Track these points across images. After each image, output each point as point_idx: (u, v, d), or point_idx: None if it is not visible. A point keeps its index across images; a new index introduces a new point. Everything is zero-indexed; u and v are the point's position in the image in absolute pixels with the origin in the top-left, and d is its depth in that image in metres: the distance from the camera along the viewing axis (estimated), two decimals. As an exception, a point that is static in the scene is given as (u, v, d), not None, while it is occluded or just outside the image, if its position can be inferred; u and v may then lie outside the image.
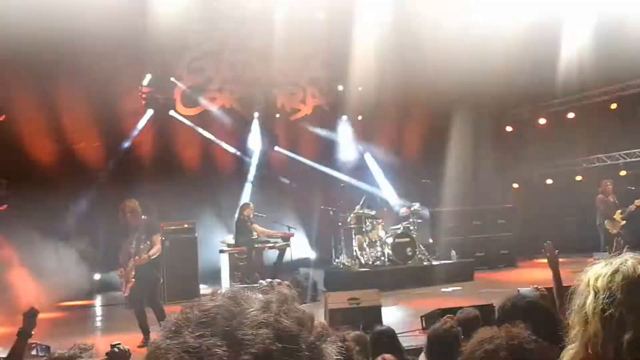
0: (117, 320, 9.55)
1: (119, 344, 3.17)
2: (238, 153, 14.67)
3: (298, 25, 14.43)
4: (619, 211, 11.26)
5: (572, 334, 1.57)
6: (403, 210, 12.43)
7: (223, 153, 14.50)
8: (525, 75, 14.60)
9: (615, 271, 1.53)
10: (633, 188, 13.06)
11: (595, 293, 1.52)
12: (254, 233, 11.24)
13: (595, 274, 1.56)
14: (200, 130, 14.21)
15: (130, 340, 6.94)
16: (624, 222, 11.21)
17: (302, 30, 14.75)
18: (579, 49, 14.62)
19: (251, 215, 11.36)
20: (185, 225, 11.47)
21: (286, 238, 11.34)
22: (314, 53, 15.36)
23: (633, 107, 14.30)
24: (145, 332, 7.36)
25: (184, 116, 14.15)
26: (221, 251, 11.52)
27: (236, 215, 11.59)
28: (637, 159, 14.26)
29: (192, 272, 11.37)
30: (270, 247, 11.35)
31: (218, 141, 14.37)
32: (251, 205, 11.73)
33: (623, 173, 14.21)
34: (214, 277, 11.68)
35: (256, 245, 11.20)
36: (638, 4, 12.90)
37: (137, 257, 7.40)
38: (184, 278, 11.07)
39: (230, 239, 12.01)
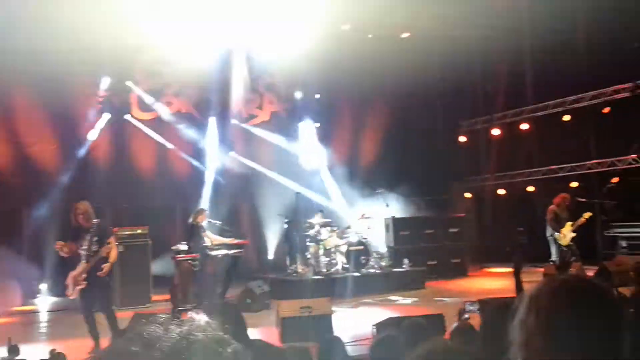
0: (68, 326, 9.28)
1: (54, 349, 3.13)
2: (194, 158, 14.50)
3: (255, 31, 14.45)
4: (570, 223, 11.54)
5: (513, 350, 1.55)
6: (357, 219, 12.48)
7: (178, 158, 14.32)
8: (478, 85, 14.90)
9: (557, 287, 1.53)
10: (584, 200, 13.44)
11: (537, 309, 1.50)
12: (207, 240, 11.10)
13: (538, 290, 1.55)
14: (156, 134, 14.02)
15: (81, 346, 6.79)
16: (574, 234, 11.49)
17: (259, 36, 14.76)
18: (533, 61, 15.06)
19: (205, 222, 11.22)
20: (139, 231, 11.30)
21: (240, 246, 11.23)
22: (271, 59, 15.34)
23: (585, 119, 14.75)
24: (95, 338, 7.20)
25: (140, 120, 13.94)
26: (173, 258, 11.32)
27: (190, 221, 11.42)
28: (588, 170, 14.68)
29: (145, 278, 11.24)
30: (224, 255, 11.22)
31: (174, 146, 14.19)
32: (205, 211, 11.58)
33: (574, 184, 14.62)
34: (167, 283, 11.50)
35: (209, 253, 11.06)
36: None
37: (87, 261, 7.24)
38: (136, 284, 10.91)
39: (183, 245, 11.83)
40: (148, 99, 13.99)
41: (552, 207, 11.53)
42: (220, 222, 11.86)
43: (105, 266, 7.29)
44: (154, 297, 11.35)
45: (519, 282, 4.19)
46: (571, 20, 14.52)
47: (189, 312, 6.60)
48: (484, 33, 16.35)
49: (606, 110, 14.18)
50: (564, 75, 14.66)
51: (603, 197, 13.69)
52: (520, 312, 1.55)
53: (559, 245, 11.36)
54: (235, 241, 11.29)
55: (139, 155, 13.78)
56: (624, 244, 13.50)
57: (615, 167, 14.13)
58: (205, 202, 13.50)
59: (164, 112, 14.17)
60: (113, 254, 7.45)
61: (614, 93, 14.06)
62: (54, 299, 11.80)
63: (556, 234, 11.37)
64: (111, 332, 7.22)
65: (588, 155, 14.66)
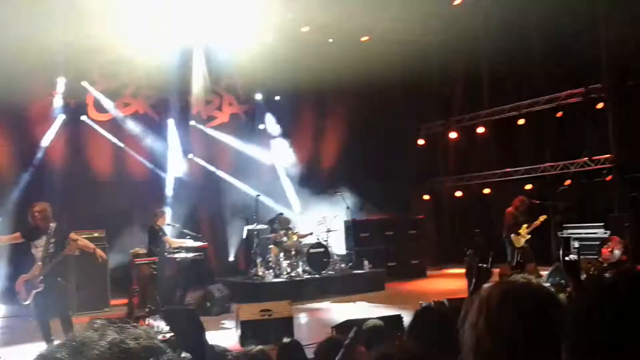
0: (19, 333, 9.03)
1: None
2: (152, 160, 14.29)
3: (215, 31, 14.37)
4: (525, 226, 11.82)
5: (465, 351, 1.58)
6: (318, 221, 12.53)
7: (136, 160, 14.09)
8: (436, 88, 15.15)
9: (506, 290, 1.56)
10: (538, 202, 13.82)
11: (487, 311, 1.53)
12: (167, 243, 10.97)
13: (488, 293, 1.58)
14: (113, 136, 13.77)
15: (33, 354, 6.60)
16: (529, 236, 11.79)
17: (219, 36, 14.69)
18: (489, 66, 15.42)
19: (164, 225, 11.10)
20: (96, 234, 11.10)
21: (199, 249, 11.14)
22: (230, 60, 15.28)
23: (539, 123, 15.16)
24: (49, 343, 7.03)
25: (97, 122, 13.68)
26: (132, 262, 11.15)
27: (149, 224, 11.27)
28: (542, 173, 15.09)
29: (102, 282, 11.04)
30: (183, 258, 11.10)
31: (131, 148, 13.96)
32: (165, 214, 11.46)
33: (529, 187, 14.98)
34: (126, 287, 11.31)
35: (168, 256, 10.93)
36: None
37: (44, 263, 7.08)
38: (93, 288, 10.71)
39: (141, 248, 11.66)
40: (104, 100, 13.74)
41: (510, 209, 11.80)
42: (179, 225, 11.76)
43: (98, 252, 7.58)
44: (113, 302, 11.18)
45: (471, 283, 4.24)
46: (526, 26, 14.93)
47: (147, 318, 6.49)
48: (442, 38, 16.68)
49: (559, 114, 14.60)
50: (519, 80, 15.07)
51: (556, 199, 14.09)
52: (470, 314, 1.58)
53: (514, 247, 11.65)
54: (195, 244, 11.20)
55: (96, 157, 13.52)
56: (576, 244, 13.90)
57: (568, 170, 14.57)
58: (164, 205, 13.34)
59: (121, 113, 13.93)
60: (85, 242, 7.41)
61: (567, 98, 14.47)
62: (2, 306, 11.43)
63: (512, 235, 11.65)
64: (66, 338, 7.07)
65: (542, 158, 15.07)
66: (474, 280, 3.87)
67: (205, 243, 11.60)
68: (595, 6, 13.77)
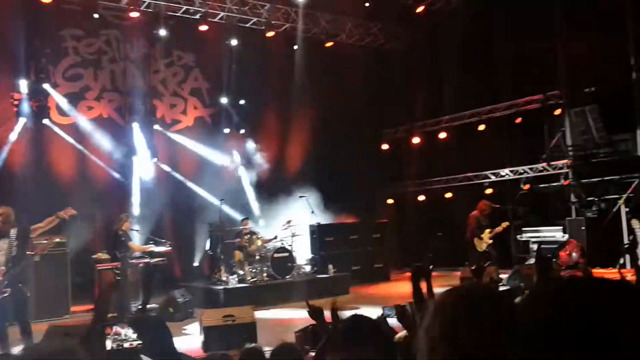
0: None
1: None
2: (116, 164, 14.14)
3: (179, 34, 14.33)
4: (488, 230, 12.08)
5: (418, 357, 1.56)
6: (282, 226, 12.59)
7: (100, 164, 13.92)
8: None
9: (459, 297, 1.56)
10: (498, 206, 14.13)
11: (442, 316, 1.52)
12: (130, 248, 10.89)
13: (442, 299, 1.57)
14: (76, 139, 13.59)
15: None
16: (491, 241, 12.06)
17: (183, 39, 14.67)
18: (450, 72, 15.72)
19: (128, 230, 11.00)
20: (57, 239, 10.88)
21: (163, 254, 11.09)
22: (195, 63, 15.28)
23: (499, 129, 15.52)
24: (7, 352, 6.93)
25: (59, 125, 13.48)
26: (94, 267, 11.03)
27: (113, 229, 11.16)
28: (502, 178, 15.44)
29: (63, 288, 10.88)
30: (146, 263, 11.04)
31: (94, 151, 13.79)
32: (129, 218, 11.36)
33: (489, 191, 15.31)
34: (87, 293, 11.19)
35: (132, 261, 10.85)
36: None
37: (6, 268, 6.98)
38: (54, 294, 10.55)
39: (104, 253, 11.54)
40: (67, 103, 13.56)
41: (474, 213, 12.01)
42: (143, 230, 11.69)
43: (61, 214, 7.48)
44: (74, 308, 11.02)
45: (430, 287, 4.33)
46: (487, 34, 15.28)
47: (115, 326, 6.43)
48: (405, 44, 16.96)
49: (518, 120, 14.98)
50: (479, 86, 15.41)
51: (515, 204, 14.46)
52: (425, 320, 1.56)
53: (476, 251, 11.89)
54: (159, 249, 11.15)
55: (58, 161, 13.31)
56: (535, 247, 14.27)
57: (527, 175, 14.95)
58: (128, 210, 13.23)
59: (85, 116, 13.77)
60: (46, 223, 7.38)
61: (526, 104, 14.88)
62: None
63: (475, 239, 11.88)
64: (24, 346, 6.99)
65: (502, 163, 15.43)
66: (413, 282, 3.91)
67: (169, 248, 11.54)
68: (553, 15, 14.21)
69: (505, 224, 12.05)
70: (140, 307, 10.32)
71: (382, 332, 3.08)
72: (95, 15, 13.20)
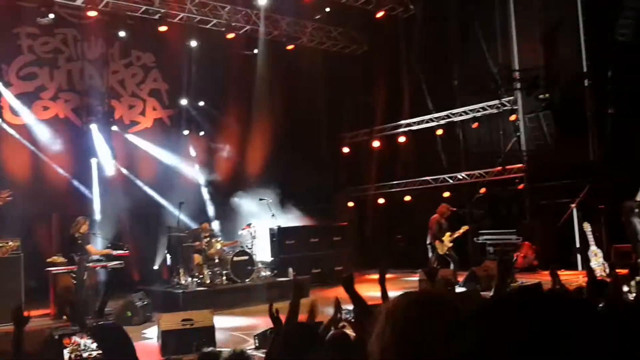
0: None
1: None
2: (73, 166, 13.85)
3: (138, 34, 14.15)
4: (449, 233, 12.30)
5: None
6: (242, 228, 12.55)
7: (56, 165, 13.62)
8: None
9: (411, 302, 1.57)
10: (455, 209, 14.40)
11: (393, 322, 1.54)
12: (87, 251, 10.69)
13: (394, 304, 1.59)
14: (31, 140, 13.27)
15: None
16: (452, 244, 12.29)
17: (142, 39, 14.49)
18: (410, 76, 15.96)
19: (85, 233, 10.79)
20: (10, 243, 10.60)
21: (120, 257, 10.91)
22: (154, 64, 15.10)
23: (457, 133, 15.83)
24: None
25: (12, 125, 13.14)
26: (49, 271, 10.78)
27: (71, 232, 10.93)
28: (459, 181, 15.74)
29: (16, 293, 10.54)
30: (103, 267, 10.85)
31: (50, 153, 13.48)
32: (86, 221, 11.13)
33: (447, 194, 15.59)
34: (42, 298, 10.92)
35: (88, 265, 10.65)
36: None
37: None
38: (6, 299, 10.20)
39: (60, 257, 11.29)
40: (21, 103, 13.23)
41: (435, 216, 12.20)
42: (100, 233, 11.48)
43: None
44: (26, 313, 10.70)
45: (384, 291, 4.39)
46: (444, 40, 15.58)
47: (73, 336, 6.24)
48: (365, 49, 17.14)
49: (475, 125, 15.30)
50: (437, 91, 15.71)
51: (472, 207, 14.75)
52: (377, 325, 1.58)
53: (437, 253, 12.08)
54: (116, 253, 10.97)
55: (11, 161, 12.97)
56: (491, 250, 14.60)
57: (483, 179, 15.28)
58: (85, 212, 12.96)
59: (40, 117, 13.46)
60: None
61: (482, 110, 15.22)
62: None
63: (436, 242, 12.07)
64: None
65: (459, 167, 15.73)
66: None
67: (127, 251, 11.37)
68: (508, 22, 14.58)
69: (465, 228, 12.29)
70: (97, 310, 10.13)
71: (317, 339, 3.14)
72: (51, 16, 12.88)
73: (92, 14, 13.33)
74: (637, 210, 10.91)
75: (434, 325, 1.50)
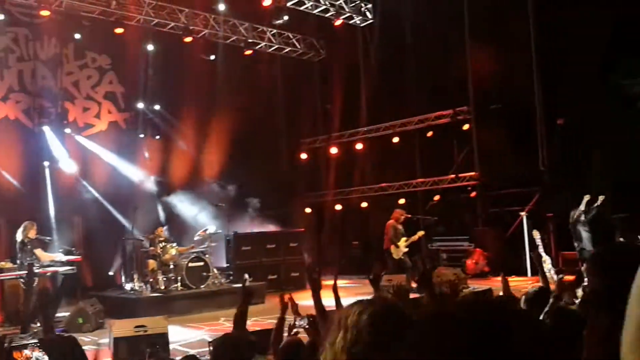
0: None
1: None
2: (23, 169, 13.46)
3: (94, 35, 13.92)
4: (404, 239, 12.49)
5: None
6: (198, 234, 12.44)
7: (4, 168, 13.22)
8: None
9: (363, 310, 1.59)
10: (410, 215, 14.63)
11: (345, 331, 1.56)
12: (37, 257, 10.41)
13: (346, 312, 1.61)
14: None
15: None
16: (407, 249, 12.49)
17: (98, 41, 14.25)
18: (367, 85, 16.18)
19: (34, 237, 10.51)
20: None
21: (72, 263, 10.67)
22: (110, 66, 14.85)
23: (412, 141, 16.11)
24: None
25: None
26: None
27: (19, 237, 10.62)
28: (414, 189, 16.00)
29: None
30: (54, 272, 10.58)
31: (-1, 154, 13.09)
32: (34, 226, 10.84)
33: (402, 201, 15.83)
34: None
35: (38, 270, 10.37)
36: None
37: None
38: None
39: (8, 262, 10.96)
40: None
41: (391, 222, 12.34)
42: (50, 238, 11.19)
43: None
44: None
45: (337, 297, 4.44)
46: (401, 50, 15.87)
47: (24, 350, 6.06)
48: (323, 56, 17.29)
49: (430, 134, 15.61)
50: (394, 100, 15.97)
51: (426, 214, 15.02)
52: (330, 333, 1.62)
53: (392, 259, 12.24)
54: (68, 258, 10.73)
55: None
56: (444, 256, 14.89)
57: (437, 186, 15.58)
58: (36, 217, 12.60)
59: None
60: None
61: (437, 119, 15.54)
62: None
63: (392, 247, 12.22)
64: None
65: (414, 174, 16.01)
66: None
67: (79, 257, 11.14)
68: (463, 34, 14.95)
69: (420, 233, 12.50)
70: (46, 317, 9.87)
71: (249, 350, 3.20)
72: (1, 17, 12.53)
73: (45, 13, 13.03)
74: (582, 218, 11.35)
75: (383, 334, 1.52)
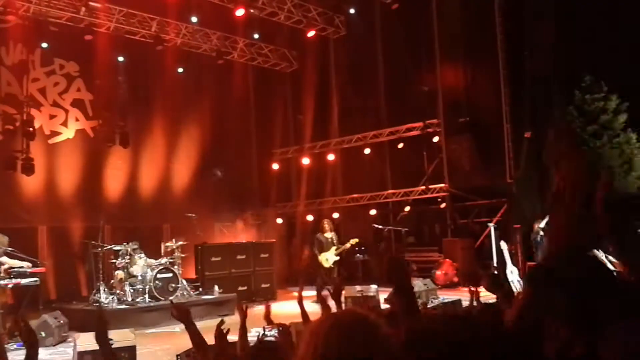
0: None
1: None
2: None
3: (62, 42, 13.68)
4: (335, 247, 12.61)
5: None
6: (166, 245, 12.27)
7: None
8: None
9: (332, 325, 1.57)
10: (380, 226, 14.72)
11: (315, 345, 1.54)
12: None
13: (316, 326, 1.59)
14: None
15: None
16: (338, 257, 12.61)
17: (66, 47, 14.01)
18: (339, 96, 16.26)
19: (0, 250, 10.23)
20: None
21: (35, 274, 10.40)
22: (78, 74, 14.59)
23: (383, 152, 16.21)
24: None
25: None
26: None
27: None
28: (385, 200, 16.09)
29: None
30: (16, 284, 10.29)
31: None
32: (1, 238, 10.54)
33: (373, 212, 15.91)
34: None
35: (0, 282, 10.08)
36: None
37: None
38: None
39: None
40: None
41: (318, 234, 12.85)
42: (12, 249, 10.90)
43: None
44: None
45: (304, 311, 4.41)
46: (372, 62, 16.01)
47: None
48: (295, 67, 17.32)
49: (400, 145, 15.74)
50: (365, 112, 16.08)
51: (397, 225, 15.11)
52: (301, 346, 1.59)
53: (324, 268, 12.49)
54: (31, 269, 10.46)
55: None
56: (414, 267, 14.97)
57: (407, 197, 15.68)
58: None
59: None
60: None
61: (407, 131, 15.68)
62: None
63: (321, 255, 12.51)
64: None
65: (385, 185, 16.11)
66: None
67: (43, 268, 10.87)
68: (433, 48, 15.16)
69: (353, 241, 12.73)
70: (7, 331, 9.60)
71: None
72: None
73: (11, 17, 12.76)
74: (541, 234, 11.50)
75: (355, 349, 1.51)
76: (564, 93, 13.29)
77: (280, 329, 3.96)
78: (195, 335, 3.15)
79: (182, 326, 3.15)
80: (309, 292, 11.90)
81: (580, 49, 12.37)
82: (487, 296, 10.15)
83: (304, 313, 4.32)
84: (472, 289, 6.05)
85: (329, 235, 12.83)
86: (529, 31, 13.84)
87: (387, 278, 2.43)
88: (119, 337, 7.59)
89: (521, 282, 11.56)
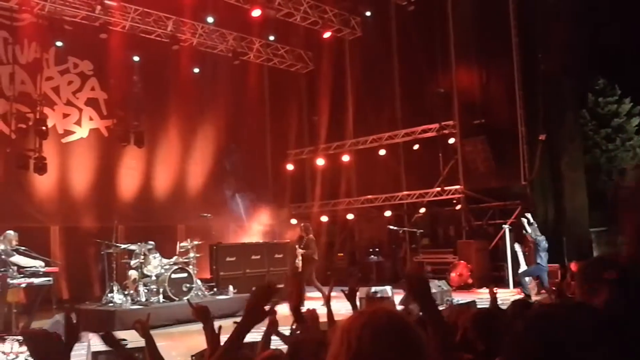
0: None
1: None
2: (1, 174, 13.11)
3: (77, 40, 13.66)
4: (297, 246, 12.56)
5: None
6: (181, 245, 12.18)
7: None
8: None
9: (365, 323, 1.54)
10: (395, 227, 14.57)
11: (348, 344, 1.51)
12: (12, 267, 10.08)
13: (349, 324, 1.55)
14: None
15: None
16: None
17: (80, 46, 13.99)
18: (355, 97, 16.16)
19: (12, 248, 10.18)
20: None
21: (49, 274, 10.35)
22: (92, 72, 14.56)
23: (398, 154, 16.09)
24: None
25: None
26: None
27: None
28: (400, 201, 15.96)
29: None
30: (29, 284, 10.24)
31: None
32: (12, 234, 10.51)
33: (388, 213, 15.77)
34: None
35: (13, 281, 10.04)
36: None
37: None
38: None
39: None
40: None
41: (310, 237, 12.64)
42: (25, 248, 10.85)
43: None
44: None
45: (330, 312, 4.30)
46: (388, 64, 15.90)
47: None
48: (311, 68, 17.24)
49: (416, 147, 15.60)
50: (381, 113, 15.96)
51: (412, 226, 14.97)
52: (332, 344, 1.55)
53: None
54: (44, 269, 10.41)
55: None
56: (429, 268, 14.83)
57: (423, 199, 15.54)
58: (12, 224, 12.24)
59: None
60: None
61: (423, 132, 15.54)
62: None
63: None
64: None
65: (400, 187, 15.97)
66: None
67: (56, 267, 10.83)
68: (449, 50, 15.04)
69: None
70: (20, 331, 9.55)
71: None
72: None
73: (26, 16, 12.76)
74: (533, 237, 11.24)
75: (388, 349, 1.48)
76: (578, 96, 13.14)
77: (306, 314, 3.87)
78: (211, 333, 3.05)
79: (198, 325, 3.03)
80: (315, 294, 11.89)
81: (594, 51, 12.24)
82: (501, 297, 10.02)
83: (330, 314, 4.20)
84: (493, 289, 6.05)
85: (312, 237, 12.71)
86: (542, 33, 13.69)
87: (409, 293, 2.32)
88: (132, 337, 7.49)
89: (535, 283, 11.47)
